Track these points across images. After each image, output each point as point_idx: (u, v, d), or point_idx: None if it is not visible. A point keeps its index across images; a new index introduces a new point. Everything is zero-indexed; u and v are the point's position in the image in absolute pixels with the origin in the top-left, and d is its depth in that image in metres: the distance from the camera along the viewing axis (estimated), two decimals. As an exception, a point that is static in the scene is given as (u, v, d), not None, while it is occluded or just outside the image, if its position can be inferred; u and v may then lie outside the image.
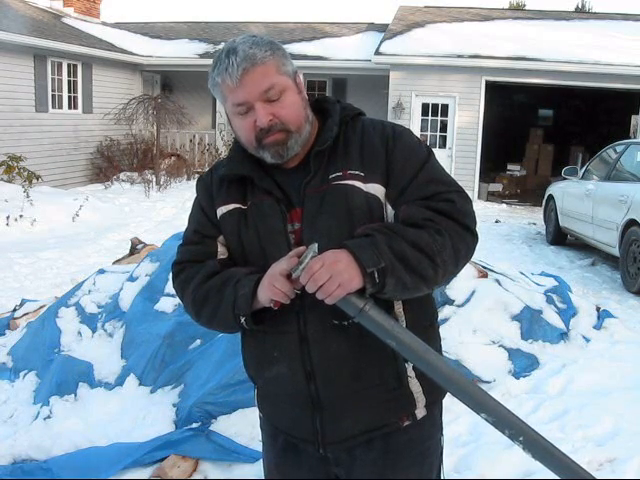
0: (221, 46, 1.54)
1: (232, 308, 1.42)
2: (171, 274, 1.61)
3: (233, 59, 1.38)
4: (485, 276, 4.54)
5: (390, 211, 1.44)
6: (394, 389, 1.48)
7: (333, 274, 1.27)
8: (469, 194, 1.47)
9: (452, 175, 1.53)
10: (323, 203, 1.43)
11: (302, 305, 1.41)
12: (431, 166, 1.48)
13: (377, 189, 1.44)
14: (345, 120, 1.50)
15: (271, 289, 1.35)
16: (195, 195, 1.63)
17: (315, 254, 1.31)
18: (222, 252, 1.54)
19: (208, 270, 1.51)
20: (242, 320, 1.42)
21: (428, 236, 1.35)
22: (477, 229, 1.46)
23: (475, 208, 1.49)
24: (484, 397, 1.37)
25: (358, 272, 1.29)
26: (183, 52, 15.80)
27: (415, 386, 1.49)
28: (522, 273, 5.37)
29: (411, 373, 1.48)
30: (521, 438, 1.34)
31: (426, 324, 1.54)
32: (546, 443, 1.35)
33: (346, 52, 15.12)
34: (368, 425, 1.49)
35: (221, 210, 1.53)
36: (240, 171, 1.50)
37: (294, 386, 1.48)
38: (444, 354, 3.56)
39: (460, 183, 1.53)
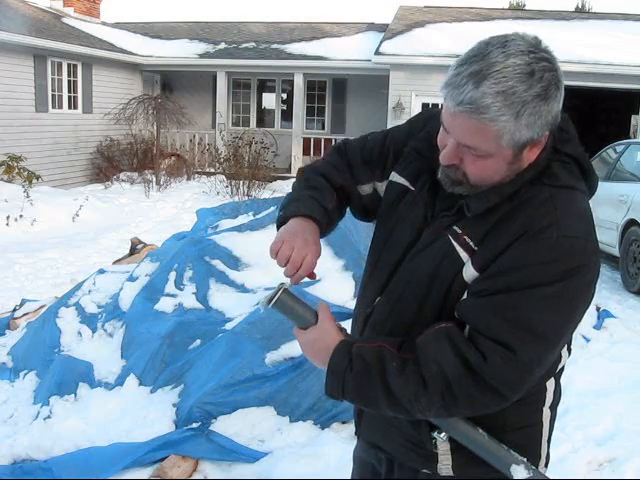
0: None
1: (281, 207, 1.38)
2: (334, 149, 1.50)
3: (468, 88, 1.05)
4: (485, 276, 4.53)
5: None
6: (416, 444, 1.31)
7: (304, 347, 1.28)
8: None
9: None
10: (426, 249, 1.22)
11: (366, 321, 1.34)
12: (537, 297, 1.07)
13: (470, 276, 1.15)
14: (517, 193, 1.16)
15: (279, 242, 1.26)
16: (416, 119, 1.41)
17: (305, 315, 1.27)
18: (365, 190, 1.41)
19: (329, 176, 1.39)
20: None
21: (413, 393, 1.13)
22: (514, 390, 1.12)
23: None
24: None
25: (324, 364, 1.23)
26: (183, 52, 15.79)
27: (442, 445, 1.26)
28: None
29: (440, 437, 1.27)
30: None
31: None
32: None
33: (346, 52, 15.12)
34: (394, 452, 1.36)
35: (393, 176, 1.35)
36: (427, 155, 1.28)
37: None
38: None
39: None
